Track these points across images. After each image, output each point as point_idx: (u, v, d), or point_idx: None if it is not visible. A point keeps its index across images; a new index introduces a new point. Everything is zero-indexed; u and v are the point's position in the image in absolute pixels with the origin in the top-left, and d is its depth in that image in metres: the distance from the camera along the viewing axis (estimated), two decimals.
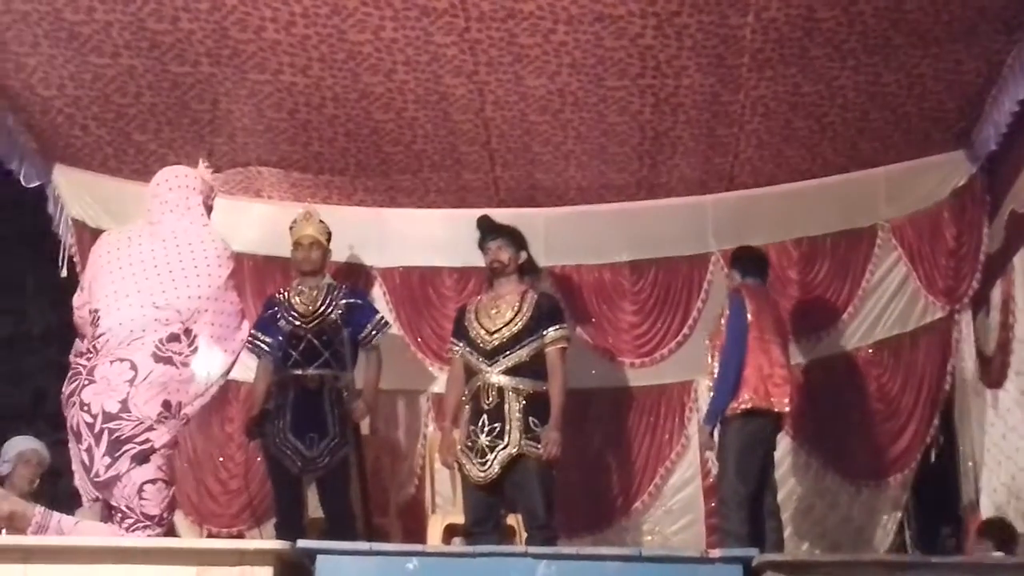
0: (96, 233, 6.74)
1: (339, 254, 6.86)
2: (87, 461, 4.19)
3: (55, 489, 6.31)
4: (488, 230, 6.15)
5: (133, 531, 4.16)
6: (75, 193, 6.87)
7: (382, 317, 6.52)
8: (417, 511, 7.10)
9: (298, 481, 6.16)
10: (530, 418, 5.76)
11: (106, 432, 4.15)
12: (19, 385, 8.28)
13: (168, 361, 4.25)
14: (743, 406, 5.86)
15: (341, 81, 5.94)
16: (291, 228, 6.46)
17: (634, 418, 7.24)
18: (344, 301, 6.34)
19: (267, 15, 5.42)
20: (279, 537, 5.72)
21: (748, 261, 6.29)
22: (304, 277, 6.42)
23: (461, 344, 6.04)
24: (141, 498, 4.16)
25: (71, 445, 4.30)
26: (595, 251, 7.30)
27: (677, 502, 7.15)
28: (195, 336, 4.33)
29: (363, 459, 6.58)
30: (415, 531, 6.88)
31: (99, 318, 4.33)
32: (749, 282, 6.19)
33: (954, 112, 6.34)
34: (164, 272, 4.39)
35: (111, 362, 4.22)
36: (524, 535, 5.95)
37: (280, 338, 6.25)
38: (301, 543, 4.03)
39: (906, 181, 6.88)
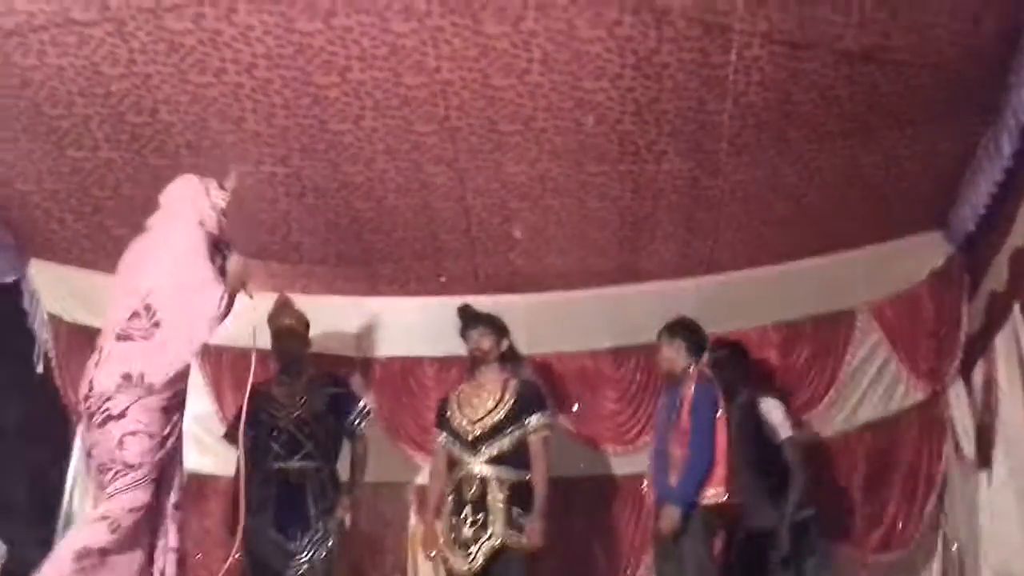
0: (72, 327, 6.74)
1: (319, 344, 6.80)
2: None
3: None
4: (470, 318, 6.16)
5: (115, 481, 4.36)
6: (51, 288, 6.82)
7: (366, 404, 6.47)
8: None
9: None
10: (513, 508, 5.75)
11: (84, 411, 4.51)
12: None
13: (128, 338, 4.50)
14: (711, 500, 5.79)
15: (321, 171, 5.94)
16: (268, 319, 6.41)
17: (618, 507, 7.16)
18: (326, 390, 6.28)
19: (247, 107, 5.43)
20: None
21: (699, 339, 6.18)
22: (284, 368, 6.35)
23: (444, 434, 6.02)
24: (121, 448, 4.38)
25: None
26: (577, 338, 7.26)
27: None
28: (155, 310, 4.50)
29: (347, 554, 6.46)
30: None
31: None
32: (705, 367, 6.15)
33: (931, 193, 6.37)
34: (132, 262, 4.73)
35: (90, 354, 4.60)
36: None
37: (261, 430, 6.16)
38: None
39: (884, 262, 6.90)
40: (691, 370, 6.03)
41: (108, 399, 4.41)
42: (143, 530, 4.43)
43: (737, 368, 6.50)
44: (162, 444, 4.47)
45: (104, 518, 4.33)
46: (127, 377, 4.42)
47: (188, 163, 5.79)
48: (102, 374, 4.46)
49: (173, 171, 5.83)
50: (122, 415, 4.39)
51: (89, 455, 4.62)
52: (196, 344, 4.64)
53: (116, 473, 4.37)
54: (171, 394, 4.53)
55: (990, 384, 6.25)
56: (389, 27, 4.97)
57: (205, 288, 4.57)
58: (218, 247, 4.82)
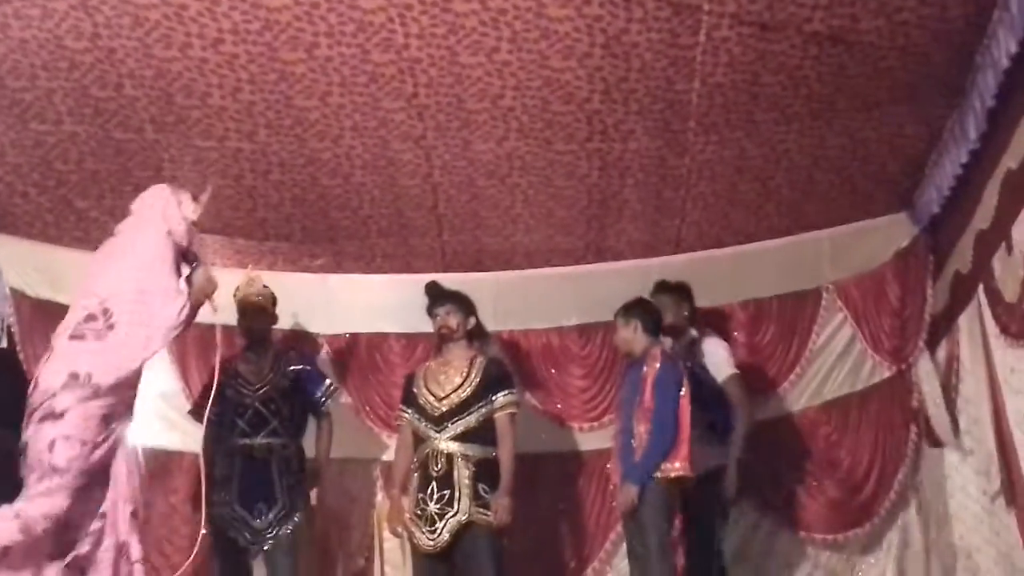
0: (35, 302, 6.68)
1: (285, 321, 6.77)
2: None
3: None
4: (436, 296, 6.15)
5: (38, 483, 4.29)
6: (14, 262, 6.74)
7: (332, 382, 6.45)
8: None
9: (245, 553, 6.04)
10: (479, 485, 5.76)
11: (27, 407, 4.43)
12: None
13: (81, 338, 4.45)
14: (677, 473, 5.82)
15: (287, 147, 5.90)
16: (234, 295, 6.38)
17: (584, 482, 7.17)
18: (292, 368, 6.27)
19: (213, 82, 5.38)
20: None
21: (655, 319, 6.20)
22: (250, 344, 6.33)
23: (410, 411, 6.02)
24: (50, 451, 4.31)
25: None
26: (543, 315, 7.26)
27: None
28: (112, 313, 4.47)
29: (312, 530, 6.47)
30: None
31: None
32: (667, 346, 6.17)
33: (897, 174, 6.42)
34: (96, 266, 4.70)
35: (54, 329, 4.59)
36: None
37: (226, 406, 6.14)
38: None
39: (850, 243, 6.94)
40: (653, 350, 6.05)
41: (52, 396, 4.35)
42: (54, 538, 4.33)
43: (681, 307, 6.53)
44: (92, 452, 4.39)
45: (17, 517, 4.25)
46: (74, 376, 4.37)
47: (152, 138, 5.76)
48: (49, 371, 4.41)
49: (137, 146, 5.84)
50: (60, 416, 4.32)
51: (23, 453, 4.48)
52: (150, 351, 4.58)
53: (41, 475, 4.30)
54: (115, 400, 4.47)
55: (952, 363, 6.31)
56: (357, 3, 4.94)
57: (167, 297, 4.56)
58: (185, 258, 4.81)
